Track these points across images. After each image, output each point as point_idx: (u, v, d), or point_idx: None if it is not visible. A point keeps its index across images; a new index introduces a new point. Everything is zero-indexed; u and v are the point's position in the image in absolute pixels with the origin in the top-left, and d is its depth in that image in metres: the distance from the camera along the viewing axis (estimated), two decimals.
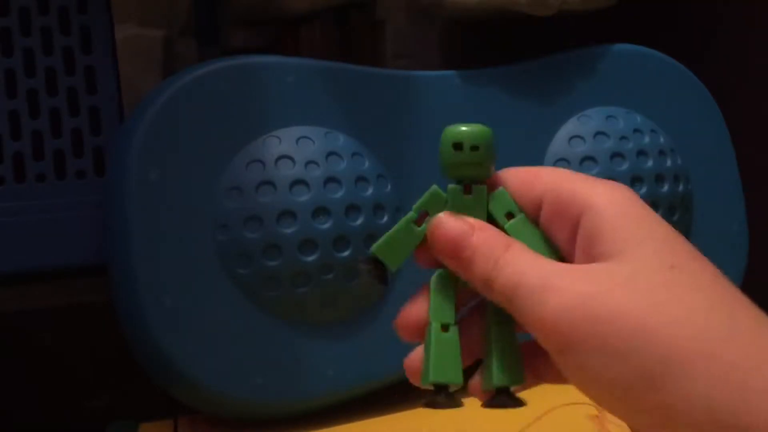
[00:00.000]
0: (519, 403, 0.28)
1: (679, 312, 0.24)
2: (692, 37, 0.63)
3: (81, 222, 0.47)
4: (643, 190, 0.50)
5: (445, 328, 0.28)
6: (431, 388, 0.28)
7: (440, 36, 0.69)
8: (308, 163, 0.44)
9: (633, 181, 0.50)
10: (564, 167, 0.50)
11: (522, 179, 0.30)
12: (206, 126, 0.43)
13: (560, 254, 0.28)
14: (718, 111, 0.55)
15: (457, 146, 0.29)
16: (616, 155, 0.50)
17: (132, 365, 0.44)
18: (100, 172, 0.47)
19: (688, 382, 0.23)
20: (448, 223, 0.28)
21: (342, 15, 0.60)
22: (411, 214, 0.29)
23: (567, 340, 0.25)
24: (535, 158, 0.50)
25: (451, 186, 0.29)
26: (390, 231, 0.29)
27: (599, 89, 0.52)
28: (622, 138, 0.51)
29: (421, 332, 0.29)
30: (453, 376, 0.28)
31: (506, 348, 0.28)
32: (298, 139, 0.44)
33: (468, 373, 0.29)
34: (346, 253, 0.44)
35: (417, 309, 0.29)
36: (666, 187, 0.51)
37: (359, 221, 0.44)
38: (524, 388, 0.28)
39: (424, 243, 0.29)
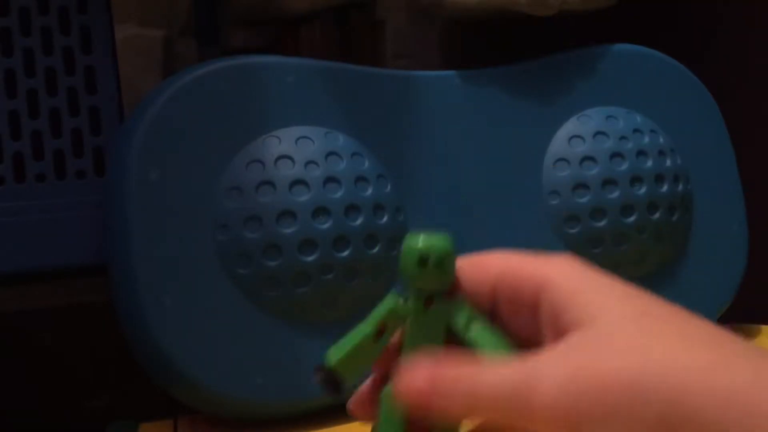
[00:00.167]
0: None
1: (664, 354, 0.24)
2: (692, 37, 0.63)
3: (81, 222, 0.47)
4: (643, 190, 0.50)
5: None
6: None
7: (440, 36, 0.69)
8: (308, 163, 0.44)
9: (633, 181, 0.50)
10: (564, 167, 0.50)
11: (472, 273, 0.29)
12: (206, 126, 0.43)
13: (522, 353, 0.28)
14: (718, 111, 0.55)
15: (423, 262, 0.28)
16: (615, 155, 0.50)
17: (132, 365, 0.44)
18: (100, 172, 0.47)
19: (698, 414, 0.23)
20: (413, 381, 0.27)
21: (342, 15, 0.60)
22: (369, 329, 0.29)
23: (574, 420, 0.24)
24: (535, 158, 0.50)
25: (411, 300, 0.29)
26: (348, 344, 0.29)
27: (599, 89, 0.52)
28: (622, 138, 0.51)
29: (373, 411, 0.29)
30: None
31: None
32: (298, 139, 0.44)
33: None
34: (346, 253, 0.44)
35: (369, 393, 0.29)
36: (666, 187, 0.51)
37: (359, 221, 0.44)
38: None
39: (382, 355, 0.29)
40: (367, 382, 0.30)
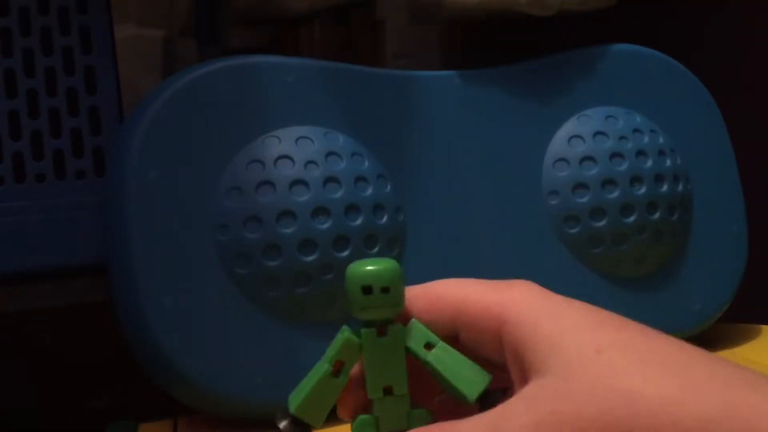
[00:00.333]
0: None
1: (628, 389, 0.24)
2: (692, 37, 0.63)
3: (81, 222, 0.47)
4: (643, 190, 0.50)
5: None
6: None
7: (440, 36, 0.69)
8: (308, 163, 0.44)
9: (632, 181, 0.50)
10: (564, 167, 0.50)
11: (426, 305, 0.29)
12: (206, 126, 0.43)
13: (486, 372, 0.28)
14: (718, 111, 0.55)
15: (367, 290, 0.27)
16: (615, 155, 0.50)
17: (132, 365, 0.44)
18: (99, 172, 0.47)
19: None
20: None
21: (342, 15, 0.60)
22: (326, 367, 0.28)
23: None
24: (535, 158, 0.51)
25: (364, 331, 0.28)
26: (307, 386, 0.28)
27: (599, 89, 0.52)
28: (622, 138, 0.51)
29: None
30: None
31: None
32: (298, 139, 0.44)
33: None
34: (345, 253, 0.44)
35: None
36: (665, 187, 0.51)
37: (359, 221, 0.44)
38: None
39: (345, 391, 0.28)
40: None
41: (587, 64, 0.53)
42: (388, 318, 0.28)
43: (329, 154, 0.45)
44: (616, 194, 0.50)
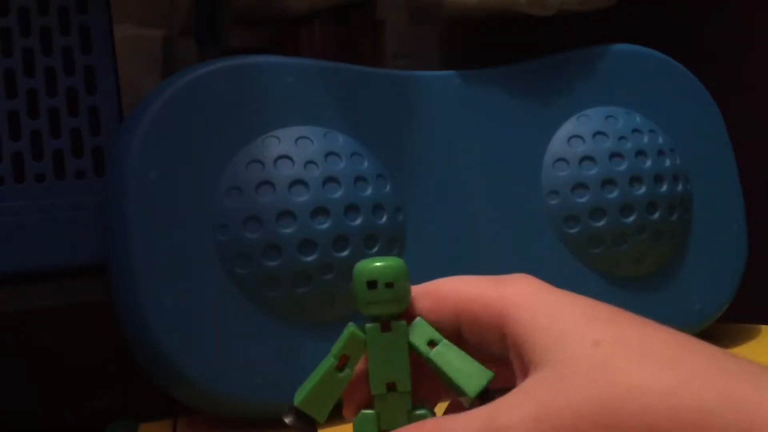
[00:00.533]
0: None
1: (626, 381, 0.24)
2: (692, 37, 0.63)
3: (81, 222, 0.47)
4: (642, 190, 0.50)
5: None
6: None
7: (440, 36, 0.69)
8: (307, 163, 0.44)
9: (632, 181, 0.50)
10: (563, 167, 0.50)
11: (429, 302, 0.29)
12: (206, 126, 0.43)
13: (487, 370, 0.28)
14: (718, 111, 0.55)
15: (371, 284, 0.28)
16: (615, 155, 0.50)
17: (132, 365, 0.44)
18: (99, 172, 0.47)
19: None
20: None
21: (342, 15, 0.60)
22: (331, 361, 0.28)
23: None
24: (535, 158, 0.50)
25: (368, 326, 0.28)
26: (312, 381, 0.28)
27: (599, 89, 0.52)
28: (621, 138, 0.51)
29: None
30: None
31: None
32: (298, 139, 0.44)
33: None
34: (345, 253, 0.44)
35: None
36: (665, 187, 0.51)
37: (358, 221, 0.44)
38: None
39: (350, 387, 0.28)
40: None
41: (587, 64, 0.53)
42: (393, 314, 0.28)
43: (329, 154, 0.45)
44: (615, 194, 0.50)
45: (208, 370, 0.42)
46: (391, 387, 0.28)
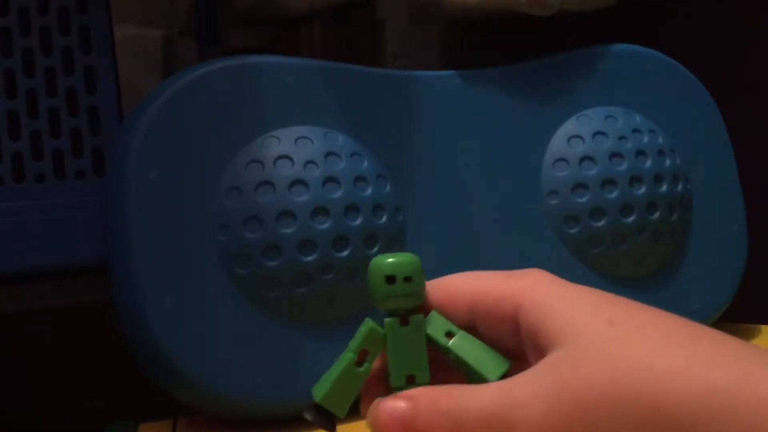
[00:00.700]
0: None
1: (638, 360, 0.24)
2: (692, 37, 0.63)
3: (81, 222, 0.47)
4: (642, 190, 0.50)
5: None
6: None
7: (440, 36, 0.69)
8: (307, 163, 0.44)
9: (632, 181, 0.50)
10: (563, 167, 0.50)
11: (443, 298, 0.30)
12: (206, 126, 0.43)
13: (505, 358, 0.29)
14: (718, 111, 0.55)
15: (390, 279, 0.28)
16: (614, 155, 0.50)
17: (132, 365, 0.44)
18: (99, 172, 0.47)
19: (679, 417, 0.23)
20: (386, 408, 0.28)
21: (342, 15, 0.60)
22: (351, 356, 0.29)
23: None
24: (535, 158, 0.50)
25: (387, 320, 0.29)
26: (331, 376, 0.29)
27: (599, 89, 0.52)
28: (621, 138, 0.51)
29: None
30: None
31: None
32: (298, 139, 0.44)
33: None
34: (345, 253, 0.44)
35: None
36: (665, 187, 0.51)
37: (358, 221, 0.44)
38: None
39: (367, 382, 0.29)
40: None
41: (587, 64, 0.53)
42: (410, 308, 0.29)
43: (329, 154, 0.45)
44: (615, 194, 0.50)
45: (208, 370, 0.42)
46: (410, 380, 0.29)
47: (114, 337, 0.45)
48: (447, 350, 0.29)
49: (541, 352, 0.27)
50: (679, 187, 0.52)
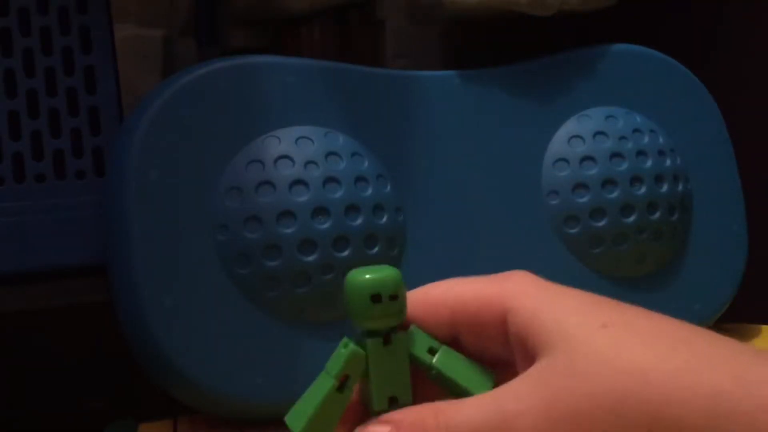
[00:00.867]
0: None
1: (633, 364, 0.24)
2: (692, 37, 0.63)
3: (81, 222, 0.47)
4: (642, 190, 0.50)
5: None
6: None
7: (440, 36, 0.69)
8: (308, 163, 0.44)
9: (632, 181, 0.50)
10: (563, 167, 0.50)
11: (423, 309, 0.28)
12: (206, 126, 0.43)
13: (490, 372, 0.28)
14: (718, 111, 0.55)
15: (376, 298, 0.26)
16: (615, 155, 0.50)
17: (132, 365, 0.44)
18: (99, 173, 0.47)
19: (682, 421, 0.23)
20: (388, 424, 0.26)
21: (342, 15, 0.60)
22: (332, 382, 0.27)
23: None
24: (535, 158, 0.50)
25: (370, 341, 0.27)
26: (310, 405, 0.27)
27: (599, 89, 0.52)
28: (622, 138, 0.51)
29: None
30: None
31: None
32: (298, 139, 0.44)
33: None
34: (345, 253, 0.44)
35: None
36: (665, 187, 0.51)
37: (359, 221, 0.44)
38: None
39: (350, 408, 0.27)
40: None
41: (587, 64, 0.53)
42: (394, 326, 0.27)
43: (329, 154, 0.45)
44: (616, 194, 0.50)
45: (208, 370, 0.42)
46: (391, 401, 0.27)
47: (114, 337, 0.45)
48: (430, 368, 0.27)
49: (531, 358, 0.26)
50: (680, 187, 0.52)
